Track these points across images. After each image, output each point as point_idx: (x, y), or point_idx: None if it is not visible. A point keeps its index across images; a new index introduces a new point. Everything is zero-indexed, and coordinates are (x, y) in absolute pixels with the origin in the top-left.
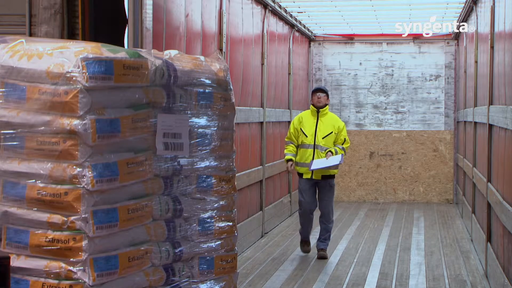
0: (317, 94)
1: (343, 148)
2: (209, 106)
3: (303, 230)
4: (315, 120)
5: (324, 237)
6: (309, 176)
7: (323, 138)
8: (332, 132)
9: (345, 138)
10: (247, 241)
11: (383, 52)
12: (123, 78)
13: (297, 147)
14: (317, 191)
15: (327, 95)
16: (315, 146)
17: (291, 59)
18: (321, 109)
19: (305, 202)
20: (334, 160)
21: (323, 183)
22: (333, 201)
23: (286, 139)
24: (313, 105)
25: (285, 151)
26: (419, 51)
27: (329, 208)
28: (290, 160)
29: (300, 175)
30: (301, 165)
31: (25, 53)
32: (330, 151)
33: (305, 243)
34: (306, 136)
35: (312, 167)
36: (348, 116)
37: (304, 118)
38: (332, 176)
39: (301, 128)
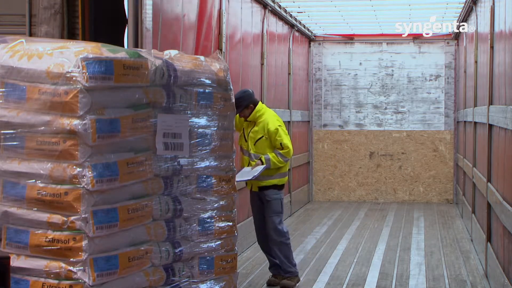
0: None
1: (280, 154)
2: (209, 106)
3: (265, 255)
4: (253, 125)
5: (283, 265)
6: (250, 187)
7: (254, 144)
8: (262, 136)
9: (281, 143)
10: (247, 241)
11: (383, 52)
12: (123, 78)
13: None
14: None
15: (244, 106)
16: (249, 154)
17: (291, 59)
18: (249, 118)
19: (253, 217)
20: (257, 170)
21: (261, 196)
22: (275, 218)
23: None
24: None
25: None
26: (419, 51)
27: (269, 227)
28: None
29: (246, 184)
30: None
31: (25, 53)
32: (260, 159)
33: (272, 272)
34: (246, 141)
35: (237, 179)
36: (348, 116)
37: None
38: (271, 187)
39: (243, 128)
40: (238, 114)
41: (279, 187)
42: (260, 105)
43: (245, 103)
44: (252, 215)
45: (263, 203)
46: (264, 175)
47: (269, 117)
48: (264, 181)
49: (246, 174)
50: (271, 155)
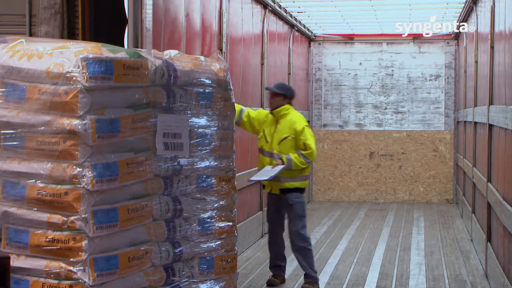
0: (268, 93)
1: (302, 155)
2: (209, 106)
3: (269, 257)
4: (275, 124)
5: (305, 270)
6: (269, 189)
7: (278, 144)
8: (288, 136)
9: (304, 143)
10: (247, 241)
11: (383, 52)
12: (123, 78)
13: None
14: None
15: (281, 95)
16: (271, 154)
17: (291, 59)
18: (274, 111)
19: (267, 219)
20: (276, 170)
21: (283, 199)
22: (298, 223)
23: None
24: None
25: None
26: (419, 51)
27: (292, 232)
28: None
29: (264, 186)
30: None
31: (25, 53)
32: (281, 158)
33: (273, 272)
34: (267, 142)
35: (254, 178)
36: (348, 116)
37: (268, 120)
38: (293, 190)
39: (264, 130)
40: (264, 111)
41: (302, 190)
42: (288, 105)
43: (281, 91)
44: (268, 218)
45: (283, 206)
46: (286, 177)
47: (295, 116)
48: (286, 183)
49: (265, 173)
50: (293, 156)
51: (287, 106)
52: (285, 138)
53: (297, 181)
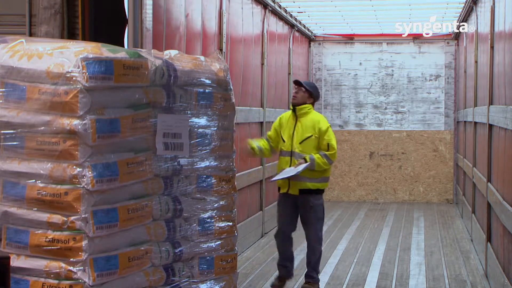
0: (294, 87)
1: (325, 156)
2: (209, 106)
3: (278, 255)
4: (294, 122)
5: (308, 270)
6: (285, 190)
7: (300, 143)
8: (311, 135)
9: (328, 144)
10: (247, 241)
11: (383, 52)
12: (123, 78)
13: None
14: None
15: (308, 92)
16: (292, 154)
17: (291, 59)
18: (297, 107)
19: (279, 220)
20: (299, 169)
21: (301, 200)
22: (318, 225)
23: None
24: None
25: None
26: (419, 51)
27: (311, 234)
28: (252, 146)
29: (279, 188)
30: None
31: (25, 53)
32: (304, 158)
33: (279, 271)
34: (284, 142)
35: (274, 178)
36: (348, 116)
37: (283, 120)
38: (314, 192)
39: (281, 131)
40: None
41: (322, 191)
42: (311, 105)
43: (310, 89)
44: (279, 218)
45: (301, 208)
46: (307, 177)
47: (318, 116)
48: (308, 183)
49: (287, 173)
50: (315, 156)
51: (310, 105)
52: (308, 137)
53: (319, 182)
